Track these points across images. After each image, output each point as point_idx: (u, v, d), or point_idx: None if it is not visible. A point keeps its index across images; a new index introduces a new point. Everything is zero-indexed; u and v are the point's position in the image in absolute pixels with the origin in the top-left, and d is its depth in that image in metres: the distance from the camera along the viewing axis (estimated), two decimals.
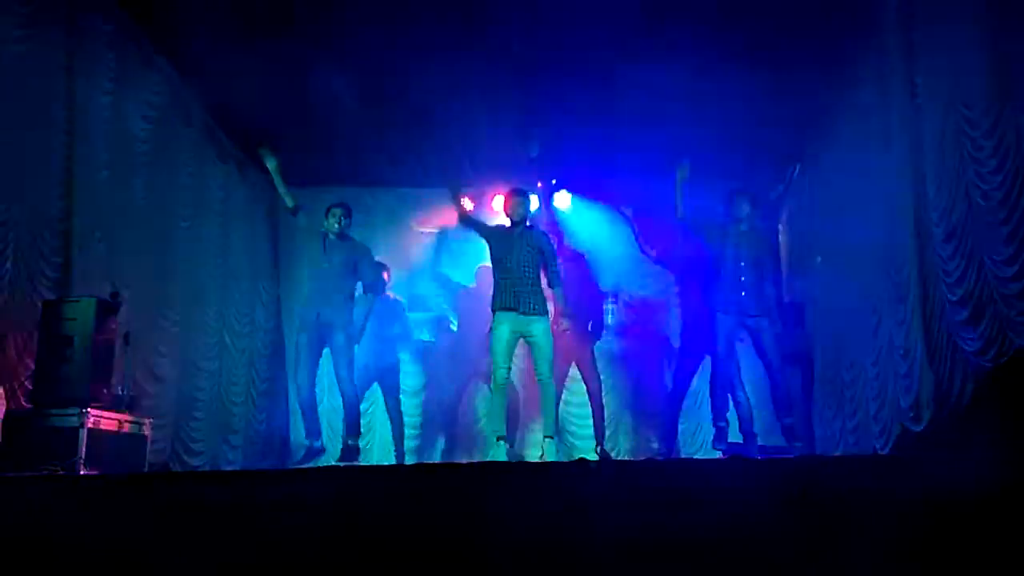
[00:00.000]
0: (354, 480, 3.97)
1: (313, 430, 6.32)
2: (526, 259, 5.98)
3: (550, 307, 6.05)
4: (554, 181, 9.21)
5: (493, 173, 8.79)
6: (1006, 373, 4.31)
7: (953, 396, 4.90)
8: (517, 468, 4.52)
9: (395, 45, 6.52)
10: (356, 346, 6.43)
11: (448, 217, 6.40)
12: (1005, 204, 4.34)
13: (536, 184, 9.19)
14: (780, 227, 9.24)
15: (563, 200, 9.28)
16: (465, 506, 3.33)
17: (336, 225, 6.41)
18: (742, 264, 6.14)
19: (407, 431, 7.88)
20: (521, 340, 5.97)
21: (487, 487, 3.56)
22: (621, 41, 6.47)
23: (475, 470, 4.38)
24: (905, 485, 3.02)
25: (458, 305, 8.93)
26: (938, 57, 5.16)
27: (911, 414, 5.41)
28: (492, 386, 6.00)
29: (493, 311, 5.97)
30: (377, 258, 7.22)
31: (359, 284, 6.56)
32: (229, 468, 7.09)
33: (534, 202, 9.16)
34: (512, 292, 5.90)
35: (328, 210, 6.50)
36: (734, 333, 6.17)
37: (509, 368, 5.95)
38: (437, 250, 8.99)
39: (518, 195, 6.21)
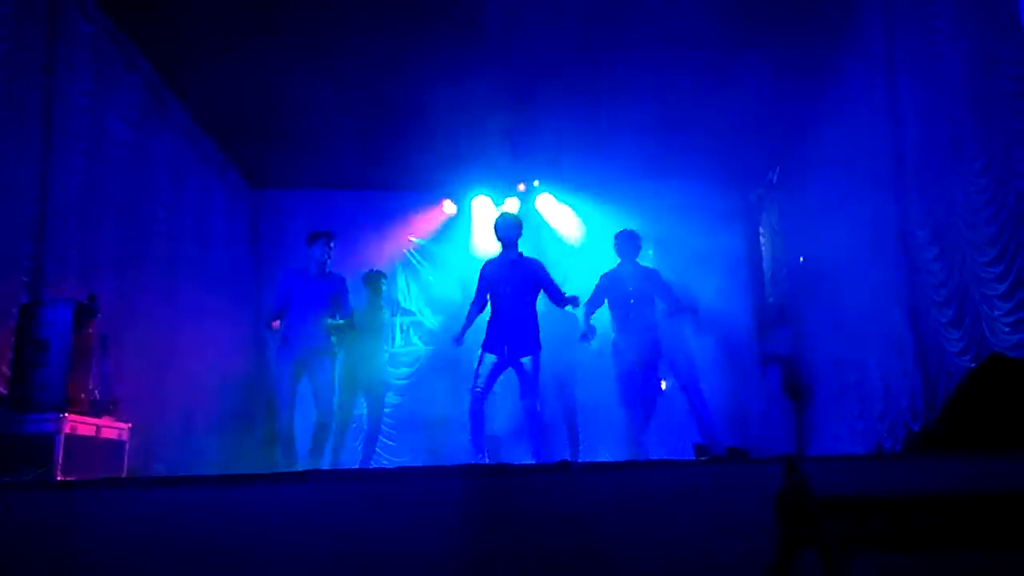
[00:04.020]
0: (333, 484, 3.95)
1: (291, 459, 6.19)
2: (515, 292, 5.85)
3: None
4: (536, 183, 9.23)
5: (476, 175, 8.80)
6: (982, 373, 4.35)
7: (939, 396, 4.95)
8: (497, 471, 4.51)
9: (377, 47, 6.50)
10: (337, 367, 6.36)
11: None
12: (991, 204, 4.36)
13: (517, 186, 9.22)
14: (761, 230, 9.31)
15: (545, 203, 9.30)
16: (448, 508, 3.32)
17: (321, 254, 6.20)
18: (632, 302, 6.19)
19: (386, 432, 7.86)
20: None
21: (469, 490, 3.56)
22: (604, 43, 6.49)
23: (459, 472, 4.37)
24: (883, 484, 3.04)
25: (440, 310, 8.93)
26: (920, 59, 5.19)
27: (910, 414, 5.44)
28: (469, 404, 5.96)
29: (483, 349, 5.91)
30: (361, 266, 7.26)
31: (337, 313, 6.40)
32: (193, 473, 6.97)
33: (514, 204, 9.20)
34: (499, 332, 5.82)
35: (314, 240, 6.24)
36: (635, 366, 6.25)
37: (485, 386, 5.84)
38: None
39: (506, 219, 6.08)
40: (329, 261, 6.23)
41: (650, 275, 6.41)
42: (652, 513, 3.14)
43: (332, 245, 6.30)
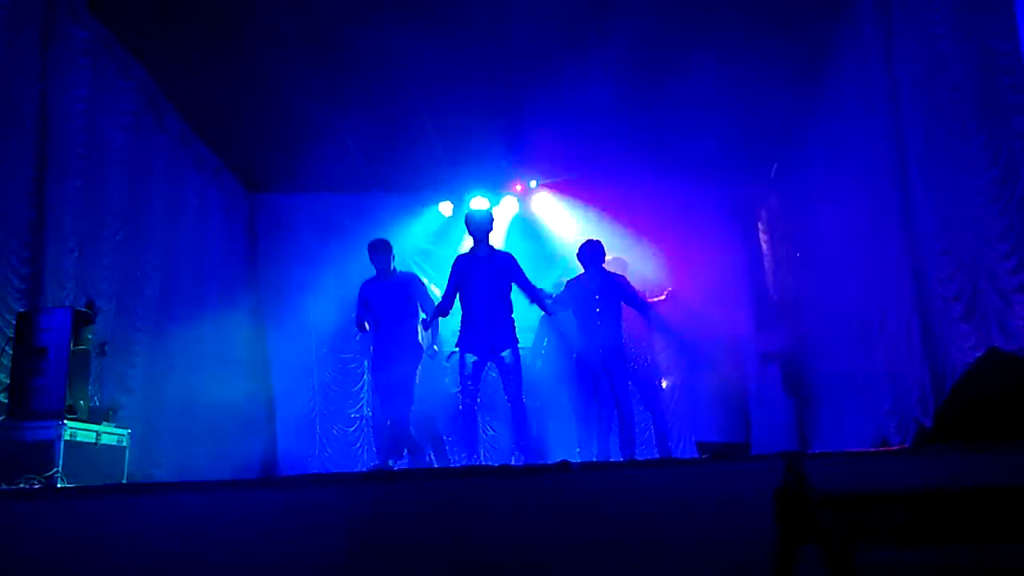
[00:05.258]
0: (334, 487, 3.95)
1: (383, 450, 6.24)
2: (489, 289, 5.84)
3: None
4: (533, 183, 9.24)
5: (472, 176, 8.80)
6: (981, 368, 4.34)
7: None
8: (495, 472, 4.51)
9: (372, 50, 6.49)
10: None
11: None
12: (1000, 197, 4.33)
13: (514, 186, 9.23)
14: (760, 226, 9.31)
15: (543, 202, 9.31)
16: (445, 509, 3.32)
17: (386, 263, 6.31)
18: (597, 311, 6.19)
19: None
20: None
21: (468, 491, 3.56)
22: (600, 42, 6.48)
23: (457, 474, 4.37)
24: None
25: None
26: (919, 52, 5.17)
27: (920, 409, 5.41)
28: (462, 405, 5.94)
29: (458, 346, 5.89)
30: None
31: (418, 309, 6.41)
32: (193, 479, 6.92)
33: (511, 204, 9.20)
34: (476, 329, 5.80)
35: (372, 249, 6.34)
36: (591, 375, 6.25)
37: (474, 386, 5.83)
38: None
39: (476, 214, 6.07)
40: (392, 265, 6.34)
41: (617, 282, 6.39)
42: (653, 511, 3.13)
43: (392, 251, 6.38)
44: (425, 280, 6.83)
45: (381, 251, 6.33)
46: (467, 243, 8.71)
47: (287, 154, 8.10)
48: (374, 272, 6.38)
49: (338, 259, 8.85)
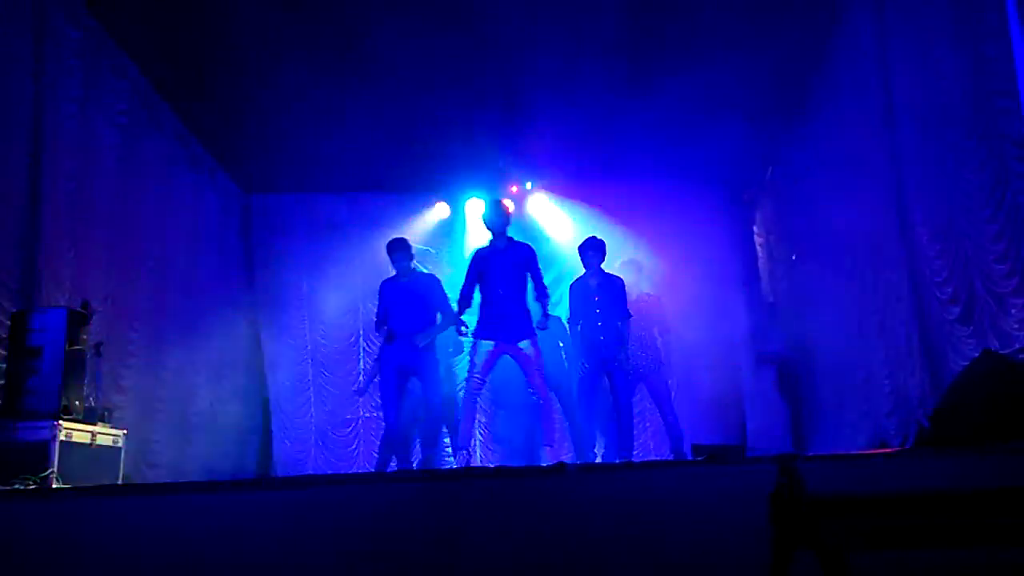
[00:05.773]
0: (329, 487, 3.95)
1: (402, 458, 6.20)
2: (507, 280, 5.82)
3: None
4: (529, 185, 9.24)
5: (469, 177, 8.80)
6: (975, 370, 4.36)
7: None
8: (493, 473, 4.51)
9: (368, 50, 6.49)
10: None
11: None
12: (990, 201, 4.35)
13: (510, 188, 9.23)
14: (756, 229, 9.32)
15: (539, 204, 9.31)
16: (442, 511, 3.33)
17: (405, 263, 6.24)
18: (597, 311, 6.18)
19: None
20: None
21: (468, 491, 3.56)
22: (596, 46, 6.49)
23: (454, 475, 4.37)
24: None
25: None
26: (915, 59, 5.19)
27: (921, 411, 5.41)
28: (464, 393, 5.94)
29: (475, 336, 5.85)
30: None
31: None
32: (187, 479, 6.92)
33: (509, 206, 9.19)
34: (493, 319, 5.77)
35: (391, 249, 6.28)
36: (594, 377, 6.22)
37: (483, 375, 5.80)
38: None
39: (496, 205, 6.05)
40: (411, 265, 6.27)
41: (615, 282, 6.35)
42: (648, 514, 3.14)
43: (411, 251, 6.32)
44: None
45: (399, 251, 6.23)
46: (468, 242, 8.83)
47: (283, 154, 8.08)
48: (392, 273, 6.30)
49: (334, 260, 8.85)
